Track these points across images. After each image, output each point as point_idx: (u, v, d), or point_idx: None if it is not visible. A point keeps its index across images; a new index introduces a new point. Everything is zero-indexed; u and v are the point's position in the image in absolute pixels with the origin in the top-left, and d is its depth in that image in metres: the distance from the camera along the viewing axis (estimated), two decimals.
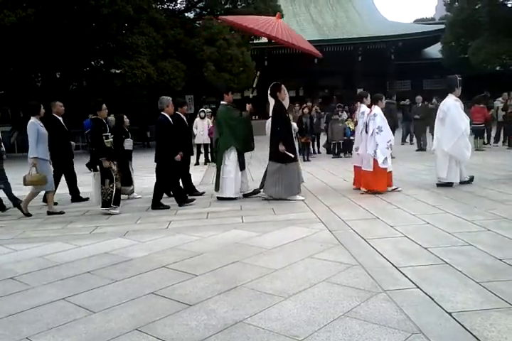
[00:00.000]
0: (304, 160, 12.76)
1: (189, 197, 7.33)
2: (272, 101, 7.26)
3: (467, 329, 2.72)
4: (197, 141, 13.49)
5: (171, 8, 24.48)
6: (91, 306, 3.35)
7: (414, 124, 14.80)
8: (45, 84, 22.81)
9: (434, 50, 30.87)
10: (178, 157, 7.02)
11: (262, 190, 7.41)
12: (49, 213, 6.97)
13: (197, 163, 13.33)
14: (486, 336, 2.63)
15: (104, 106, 6.91)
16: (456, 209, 5.87)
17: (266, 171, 7.32)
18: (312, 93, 33.14)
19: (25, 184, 6.82)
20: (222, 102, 7.54)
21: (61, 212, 7.02)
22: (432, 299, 3.16)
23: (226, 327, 2.91)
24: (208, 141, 13.36)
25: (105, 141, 6.75)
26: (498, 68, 25.70)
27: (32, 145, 6.82)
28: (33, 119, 6.97)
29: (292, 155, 6.97)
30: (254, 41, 24.11)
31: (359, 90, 28.25)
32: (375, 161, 7.13)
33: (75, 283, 3.88)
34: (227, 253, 4.49)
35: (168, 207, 6.95)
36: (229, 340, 2.75)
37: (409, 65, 29.93)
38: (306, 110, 13.72)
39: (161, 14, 20.49)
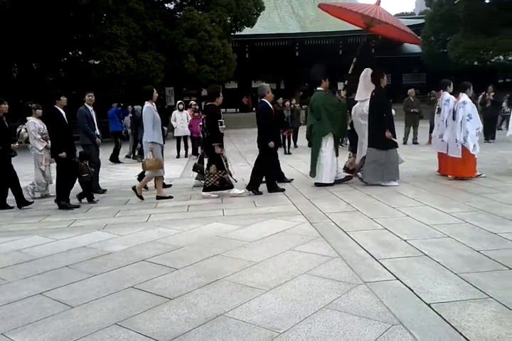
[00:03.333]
0: (285, 153, 12.78)
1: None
2: (368, 87, 7.45)
3: (445, 320, 2.75)
4: (176, 133, 13.36)
5: None
6: (69, 301, 3.30)
7: (406, 118, 14.40)
8: (21, 75, 22.30)
9: (414, 45, 31.11)
10: (271, 144, 7.08)
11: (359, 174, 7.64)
12: (158, 198, 6.98)
13: (178, 156, 13.22)
14: (464, 326, 2.67)
15: (221, 93, 6.98)
16: (435, 201, 5.95)
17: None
18: (293, 86, 33.15)
19: (144, 168, 6.92)
20: (318, 88, 7.56)
21: (170, 197, 7.04)
22: (412, 290, 3.19)
23: (207, 321, 2.89)
24: (188, 133, 13.22)
25: (220, 127, 6.81)
26: (475, 63, 26.05)
27: (148, 129, 6.84)
28: (148, 104, 6.97)
29: (396, 141, 7.23)
30: (236, 33, 23.94)
31: (340, 84, 28.43)
32: (464, 148, 7.25)
33: (53, 277, 3.81)
34: (208, 246, 4.47)
35: (283, 190, 7.06)
36: (210, 334, 2.74)
37: (389, 59, 30.10)
38: (287, 103, 13.67)
39: (141, 5, 20.13)
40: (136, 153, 12.87)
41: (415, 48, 30.76)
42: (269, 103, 7.21)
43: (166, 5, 24.93)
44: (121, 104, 15.20)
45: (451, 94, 7.87)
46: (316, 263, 3.82)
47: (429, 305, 2.96)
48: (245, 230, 5.02)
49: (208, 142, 6.95)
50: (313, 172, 7.50)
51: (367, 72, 7.77)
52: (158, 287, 3.49)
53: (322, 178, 7.39)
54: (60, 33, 18.47)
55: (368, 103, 7.54)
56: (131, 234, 5.04)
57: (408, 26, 30.53)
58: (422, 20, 29.74)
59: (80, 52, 21.50)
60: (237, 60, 22.83)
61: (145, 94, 7.13)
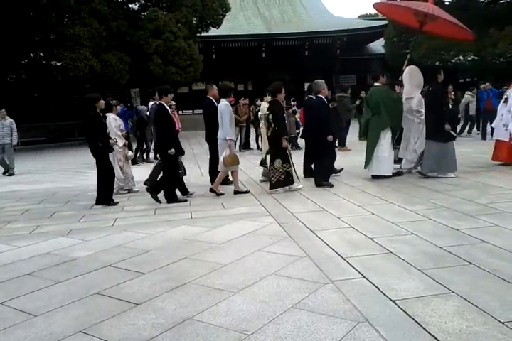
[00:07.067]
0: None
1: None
2: (413, 84, 7.79)
3: (410, 316, 2.81)
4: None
5: None
6: (31, 310, 3.20)
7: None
8: None
9: (378, 46, 31.69)
10: (330, 137, 7.20)
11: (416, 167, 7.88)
12: (236, 192, 7.07)
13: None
14: (428, 321, 2.74)
15: (283, 89, 7.02)
16: (399, 199, 6.07)
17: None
18: (261, 87, 33.22)
19: (225, 164, 6.95)
20: (376, 83, 7.86)
21: (247, 191, 7.13)
22: (377, 288, 3.25)
23: (174, 325, 2.86)
24: None
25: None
26: (437, 63, 26.71)
27: (227, 126, 6.96)
28: (225, 101, 7.15)
29: (455, 134, 7.52)
30: (202, 34, 23.80)
31: (306, 84, 28.74)
32: None
33: (14, 286, 3.69)
34: (176, 249, 4.43)
35: (332, 185, 7.20)
36: (178, 338, 2.71)
37: (354, 60, 30.59)
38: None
39: (104, 5, 19.74)
40: (144, 155, 12.57)
41: (379, 49, 31.31)
42: (324, 98, 7.34)
43: (130, 5, 24.52)
44: (128, 105, 14.84)
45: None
46: (284, 264, 3.84)
47: (394, 301, 3.02)
48: (213, 232, 5.00)
49: (275, 136, 6.90)
50: (368, 165, 7.68)
51: (410, 70, 8.00)
52: (124, 292, 3.42)
53: (381, 171, 7.57)
54: (19, 34, 17.91)
55: (415, 100, 7.77)
56: (97, 239, 4.93)
57: (371, 27, 30.82)
58: (385, 22, 30.22)
59: (42, 54, 20.93)
60: (203, 61, 22.67)
61: (223, 91, 7.42)
